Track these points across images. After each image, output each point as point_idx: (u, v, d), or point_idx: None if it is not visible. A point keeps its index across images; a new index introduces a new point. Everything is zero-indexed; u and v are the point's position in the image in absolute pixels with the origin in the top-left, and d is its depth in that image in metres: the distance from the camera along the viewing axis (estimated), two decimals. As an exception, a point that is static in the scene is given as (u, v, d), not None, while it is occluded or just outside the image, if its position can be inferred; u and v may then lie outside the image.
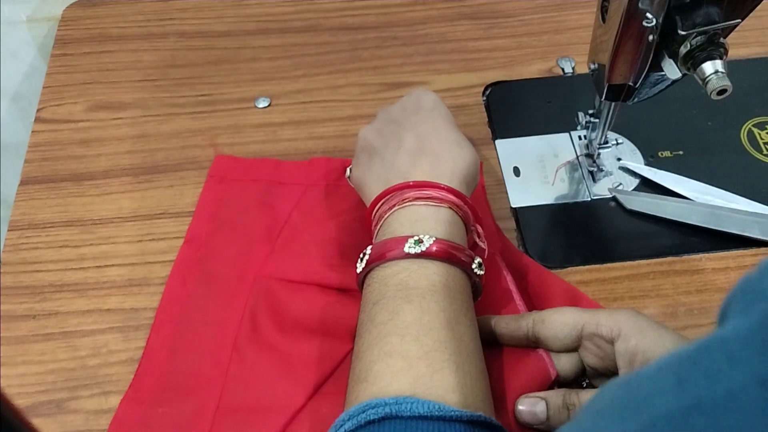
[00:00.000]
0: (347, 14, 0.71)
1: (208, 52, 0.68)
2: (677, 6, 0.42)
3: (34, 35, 0.75)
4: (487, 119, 0.62)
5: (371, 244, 0.44)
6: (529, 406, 0.42)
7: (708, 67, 0.41)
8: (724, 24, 0.41)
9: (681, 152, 0.58)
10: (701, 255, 0.52)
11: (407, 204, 0.43)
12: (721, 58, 0.41)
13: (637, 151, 0.58)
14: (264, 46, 0.68)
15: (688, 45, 0.42)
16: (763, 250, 0.52)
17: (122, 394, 0.46)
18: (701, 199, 0.54)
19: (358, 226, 0.51)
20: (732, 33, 0.43)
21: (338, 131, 0.61)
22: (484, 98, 0.63)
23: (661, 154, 0.58)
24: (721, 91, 0.41)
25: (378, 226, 0.45)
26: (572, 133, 0.59)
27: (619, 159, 0.58)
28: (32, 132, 0.62)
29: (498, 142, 0.60)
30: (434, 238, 0.41)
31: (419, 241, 0.41)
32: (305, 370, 0.46)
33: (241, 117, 0.62)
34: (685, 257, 0.52)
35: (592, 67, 0.51)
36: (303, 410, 0.44)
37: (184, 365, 0.47)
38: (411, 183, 0.44)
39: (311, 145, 0.60)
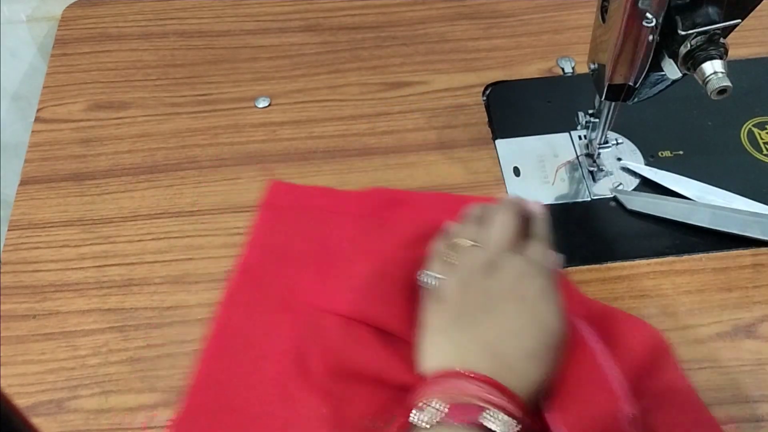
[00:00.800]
0: (347, 14, 0.71)
1: (208, 51, 0.68)
2: (677, 6, 0.42)
3: (34, 35, 0.75)
4: (487, 119, 0.62)
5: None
6: None
7: (708, 67, 0.41)
8: (724, 24, 0.41)
9: (681, 152, 0.58)
10: (701, 255, 0.52)
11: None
12: (721, 58, 0.41)
13: (637, 151, 0.58)
14: (264, 45, 0.68)
15: (688, 45, 0.42)
16: (763, 250, 0.52)
17: (122, 394, 0.46)
18: (702, 200, 0.54)
19: (411, 264, 0.49)
20: (732, 33, 0.43)
21: (338, 131, 0.61)
22: (484, 98, 0.63)
23: (661, 154, 0.58)
24: (721, 91, 0.41)
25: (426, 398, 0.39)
26: (572, 132, 0.59)
27: (619, 159, 0.58)
28: (32, 132, 0.62)
29: (498, 142, 0.60)
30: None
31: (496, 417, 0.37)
32: (351, 416, 0.44)
33: (241, 117, 0.62)
34: (685, 257, 0.52)
35: (592, 67, 0.51)
36: None
37: (236, 400, 0.46)
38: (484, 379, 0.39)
39: (311, 144, 0.60)
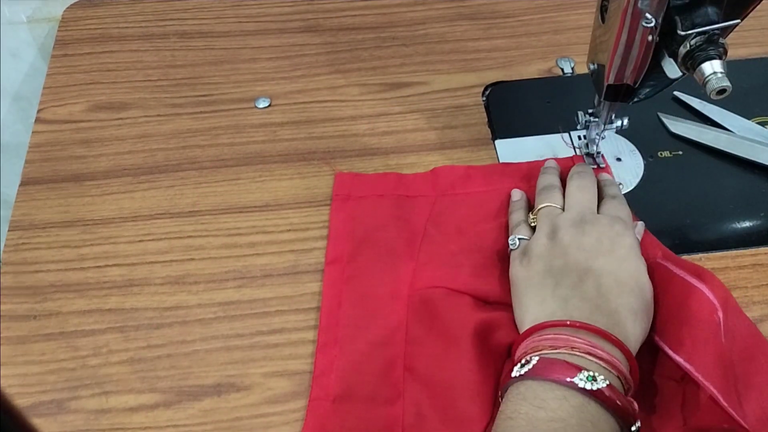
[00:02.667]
0: (347, 14, 0.71)
1: (208, 52, 0.68)
2: (677, 6, 0.42)
3: (35, 36, 0.75)
4: (486, 119, 0.62)
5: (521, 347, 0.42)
6: None
7: (707, 67, 0.41)
8: (723, 24, 0.42)
9: (680, 152, 0.58)
10: (701, 255, 0.52)
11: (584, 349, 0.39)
12: (720, 59, 0.41)
13: (637, 151, 0.58)
14: (264, 46, 0.68)
15: (688, 45, 0.42)
16: (763, 249, 0.52)
17: (123, 394, 0.46)
18: (743, 134, 0.58)
19: (498, 234, 0.52)
20: (731, 33, 0.43)
21: (338, 131, 0.61)
22: (484, 98, 0.63)
23: (661, 154, 0.58)
24: (721, 92, 0.41)
25: (539, 350, 0.41)
26: (572, 132, 0.59)
27: (618, 159, 0.58)
28: (33, 132, 0.62)
29: (498, 142, 0.60)
30: (608, 382, 0.38)
31: (593, 378, 0.38)
32: (477, 386, 0.44)
33: (241, 117, 0.62)
34: (685, 257, 0.52)
35: (592, 67, 0.51)
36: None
37: (358, 388, 0.46)
38: (604, 332, 0.40)
39: (311, 145, 0.60)
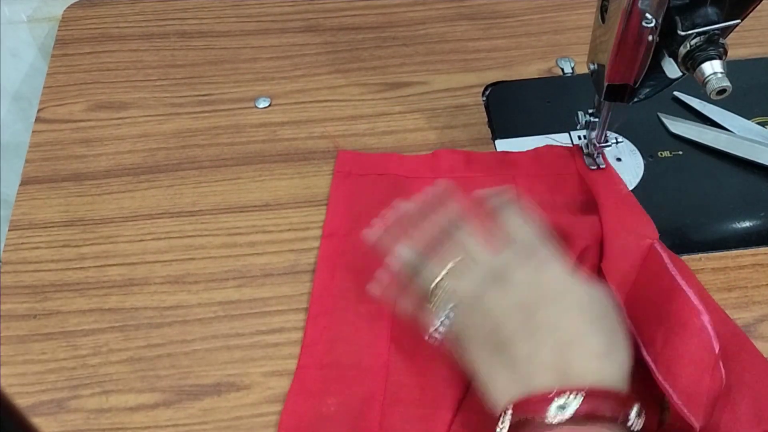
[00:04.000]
0: (347, 14, 0.71)
1: (209, 52, 0.68)
2: (677, 6, 0.42)
3: (35, 35, 0.75)
4: (486, 119, 0.62)
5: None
6: None
7: (707, 67, 0.41)
8: (723, 24, 0.42)
9: (680, 152, 0.58)
10: (701, 255, 0.52)
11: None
12: (720, 59, 0.41)
13: (637, 151, 0.58)
14: (264, 46, 0.68)
15: (688, 45, 0.42)
16: (763, 249, 0.52)
17: (122, 394, 0.46)
18: (743, 134, 0.58)
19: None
20: (731, 33, 0.43)
21: (338, 131, 0.61)
22: (484, 98, 0.63)
23: (661, 154, 0.58)
24: (721, 92, 0.41)
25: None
26: (572, 132, 0.59)
27: (618, 159, 0.58)
28: (33, 132, 0.62)
29: (498, 142, 0.60)
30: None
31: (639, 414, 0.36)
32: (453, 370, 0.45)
33: (241, 117, 0.62)
34: (685, 257, 0.52)
35: (592, 67, 0.52)
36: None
37: (344, 357, 0.47)
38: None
39: (311, 144, 0.60)
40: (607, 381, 0.37)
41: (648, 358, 0.43)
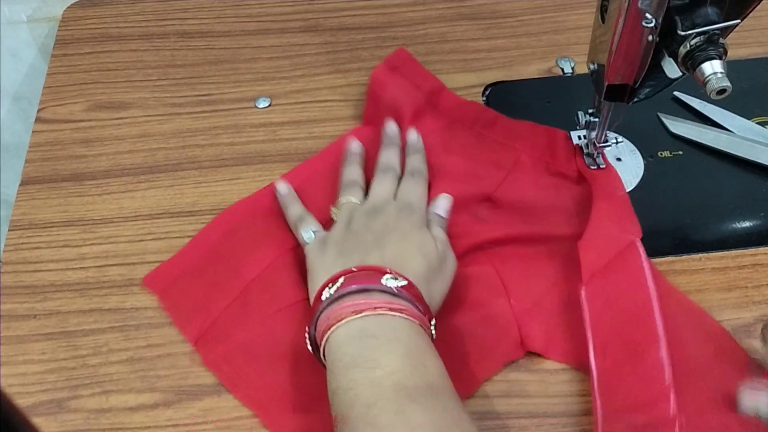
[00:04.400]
0: (347, 14, 0.71)
1: (209, 52, 0.68)
2: (677, 6, 0.42)
3: (35, 35, 0.75)
4: (486, 119, 0.62)
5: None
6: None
7: (707, 67, 0.41)
8: (723, 24, 0.42)
9: (680, 152, 0.58)
10: (701, 255, 0.52)
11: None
12: (720, 59, 0.41)
13: (637, 151, 0.58)
14: (264, 46, 0.68)
15: (688, 45, 0.42)
16: (763, 249, 0.52)
17: (122, 394, 0.47)
18: (743, 134, 0.58)
19: (472, 171, 0.56)
20: (731, 33, 0.43)
21: (338, 131, 0.61)
22: (484, 98, 0.63)
23: (661, 154, 0.58)
24: (721, 92, 0.41)
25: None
26: (572, 132, 0.59)
27: (618, 159, 0.58)
28: (33, 132, 0.62)
29: (498, 142, 0.60)
30: (406, 282, 0.43)
31: (395, 278, 0.43)
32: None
33: (241, 117, 0.62)
34: (685, 257, 0.52)
35: (592, 67, 0.51)
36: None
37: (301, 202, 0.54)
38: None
39: (311, 144, 0.60)
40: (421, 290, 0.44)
41: (592, 363, 0.45)
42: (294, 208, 0.53)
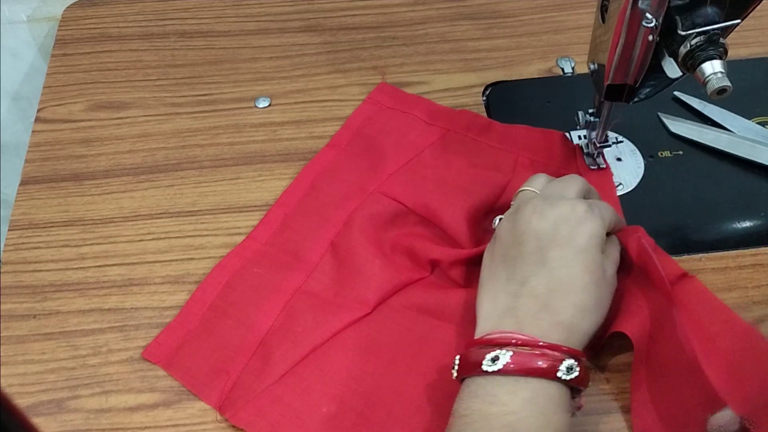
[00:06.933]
0: (347, 14, 0.71)
1: (208, 51, 0.68)
2: (677, 6, 0.42)
3: (35, 35, 0.75)
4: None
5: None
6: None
7: (708, 67, 0.41)
8: (723, 24, 0.42)
9: (681, 152, 0.58)
10: (701, 255, 0.52)
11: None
12: (720, 59, 0.41)
13: (637, 151, 0.58)
14: (264, 45, 0.68)
15: (688, 45, 0.42)
16: (763, 249, 0.52)
17: (122, 394, 0.46)
18: (743, 134, 0.58)
19: (475, 180, 0.55)
20: (732, 33, 0.43)
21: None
22: (484, 98, 0.63)
23: (661, 154, 0.58)
24: (721, 91, 0.41)
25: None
26: (572, 132, 0.59)
27: (619, 159, 0.58)
28: (33, 132, 0.62)
29: (498, 141, 0.60)
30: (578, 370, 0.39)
31: (570, 369, 0.39)
32: (380, 281, 0.49)
33: (241, 117, 0.62)
34: (685, 257, 0.52)
35: (592, 67, 0.51)
36: (367, 317, 0.49)
37: (288, 243, 0.53)
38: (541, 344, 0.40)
39: (311, 144, 0.60)
40: (574, 331, 0.41)
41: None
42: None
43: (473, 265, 0.50)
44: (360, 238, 0.52)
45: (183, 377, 0.47)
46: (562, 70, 0.65)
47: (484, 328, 0.42)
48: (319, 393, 0.45)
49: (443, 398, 0.44)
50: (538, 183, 0.48)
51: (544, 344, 0.39)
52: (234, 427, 0.45)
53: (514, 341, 0.39)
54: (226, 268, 0.52)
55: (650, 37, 0.44)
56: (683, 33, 0.42)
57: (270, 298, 0.50)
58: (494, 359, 0.38)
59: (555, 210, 0.43)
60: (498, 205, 0.55)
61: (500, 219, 0.48)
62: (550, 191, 0.46)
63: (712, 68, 0.41)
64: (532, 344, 0.39)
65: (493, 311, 0.42)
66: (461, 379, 0.41)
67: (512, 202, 0.49)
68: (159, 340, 0.48)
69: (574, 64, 0.65)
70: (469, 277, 0.50)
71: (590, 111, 0.55)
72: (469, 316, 0.47)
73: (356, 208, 0.54)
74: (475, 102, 0.63)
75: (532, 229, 0.43)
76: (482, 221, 0.54)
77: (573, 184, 0.47)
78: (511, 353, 0.39)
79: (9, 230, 0.55)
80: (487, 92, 0.64)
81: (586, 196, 0.47)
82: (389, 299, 0.49)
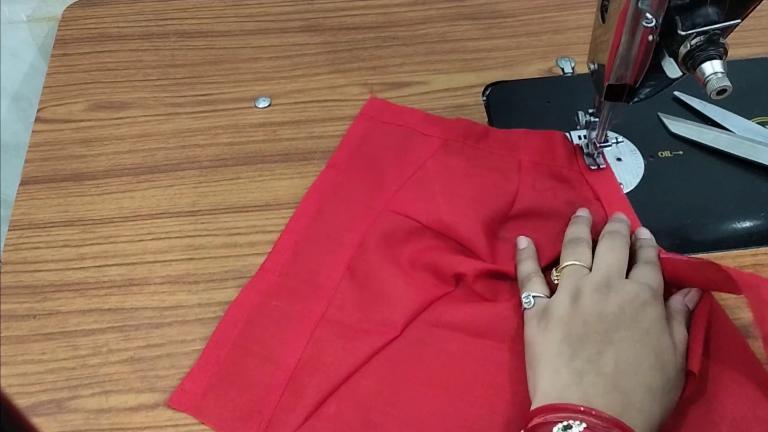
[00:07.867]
0: (347, 14, 0.71)
1: (208, 51, 0.68)
2: (677, 6, 0.42)
3: (35, 35, 0.75)
4: (487, 119, 0.62)
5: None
6: None
7: (707, 67, 0.41)
8: (723, 24, 0.42)
9: (681, 152, 0.58)
10: (701, 255, 0.52)
11: None
12: (720, 59, 0.41)
13: (637, 151, 0.58)
14: (264, 45, 0.68)
15: (688, 45, 0.42)
16: (763, 249, 0.52)
17: (122, 394, 0.46)
18: (743, 134, 0.58)
19: (484, 188, 0.55)
20: (732, 33, 0.43)
21: (338, 131, 0.61)
22: (484, 98, 0.63)
23: (661, 154, 0.58)
24: (721, 91, 0.41)
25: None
26: (572, 132, 0.59)
27: (619, 159, 0.58)
28: (33, 132, 0.62)
29: (498, 142, 0.60)
30: None
31: None
32: (405, 301, 0.49)
33: (241, 117, 0.62)
34: (685, 257, 0.52)
35: (592, 67, 0.51)
36: (396, 340, 0.48)
37: (303, 272, 0.51)
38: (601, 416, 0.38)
39: (311, 144, 0.60)
40: (653, 419, 0.39)
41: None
42: (525, 265, 0.49)
43: (497, 279, 0.50)
44: (377, 259, 0.51)
45: (215, 423, 0.45)
46: (562, 70, 0.65)
47: (545, 400, 0.40)
48: (358, 423, 0.44)
49: (488, 416, 0.44)
50: (584, 255, 0.47)
51: (618, 422, 0.37)
52: None
53: (588, 413, 0.38)
54: (243, 305, 0.50)
55: (650, 37, 0.44)
56: (683, 33, 0.42)
57: (293, 331, 0.48)
58: (566, 428, 0.37)
59: (619, 296, 0.43)
60: (511, 213, 0.54)
61: (534, 297, 0.46)
62: (604, 270, 0.45)
63: (712, 68, 0.41)
64: (604, 419, 0.37)
65: (556, 384, 0.41)
66: None
67: (555, 272, 0.48)
68: (184, 387, 0.46)
69: (574, 64, 0.65)
70: (494, 290, 0.50)
71: (590, 111, 0.55)
72: (502, 330, 0.47)
73: (368, 229, 0.53)
74: (475, 102, 0.63)
75: (597, 312, 0.43)
76: (498, 230, 0.53)
77: (622, 251, 0.46)
78: (584, 425, 0.37)
79: (9, 230, 0.55)
80: (487, 92, 0.64)
81: (636, 249, 0.48)
82: (416, 319, 0.49)
